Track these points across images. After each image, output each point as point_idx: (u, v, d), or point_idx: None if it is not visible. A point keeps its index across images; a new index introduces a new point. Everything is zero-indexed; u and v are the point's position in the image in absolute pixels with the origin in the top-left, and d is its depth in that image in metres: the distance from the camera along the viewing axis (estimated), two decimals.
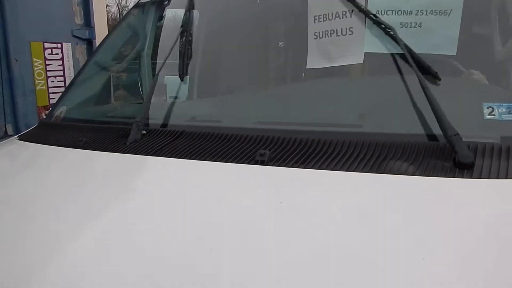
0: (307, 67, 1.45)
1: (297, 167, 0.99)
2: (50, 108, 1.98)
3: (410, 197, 0.87)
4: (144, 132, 1.33)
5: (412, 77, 1.12)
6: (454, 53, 1.23)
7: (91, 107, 1.68)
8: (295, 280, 0.68)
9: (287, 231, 0.80)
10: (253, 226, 0.83)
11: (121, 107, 1.67)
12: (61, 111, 1.82)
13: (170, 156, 1.15)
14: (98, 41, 4.13)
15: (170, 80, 1.95)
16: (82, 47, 4.02)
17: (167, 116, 1.44)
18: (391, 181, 0.91)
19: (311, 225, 0.81)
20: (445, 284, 0.64)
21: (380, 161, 0.96)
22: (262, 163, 1.03)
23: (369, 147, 1.01)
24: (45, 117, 3.62)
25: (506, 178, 0.87)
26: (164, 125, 1.36)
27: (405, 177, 0.91)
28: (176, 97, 1.57)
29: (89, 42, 4.06)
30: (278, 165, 1.01)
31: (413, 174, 0.91)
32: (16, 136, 1.78)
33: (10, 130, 3.38)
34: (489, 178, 0.87)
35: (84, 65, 2.01)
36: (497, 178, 0.87)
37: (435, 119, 1.01)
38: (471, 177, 0.88)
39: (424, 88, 1.06)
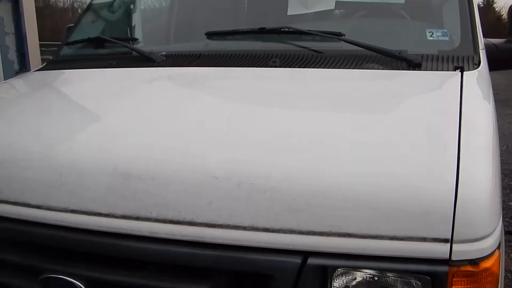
0: (288, 14, 1.84)
1: (302, 67, 1.40)
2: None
3: (378, 77, 1.32)
4: (164, 53, 1.65)
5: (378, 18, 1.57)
6: (403, 2, 1.68)
7: (100, 44, 1.93)
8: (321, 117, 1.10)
9: (306, 95, 1.22)
10: (285, 94, 1.23)
11: (132, 41, 1.95)
12: (69, 50, 2.07)
13: (198, 67, 1.50)
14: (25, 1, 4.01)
15: None
16: (7, 6, 3.87)
17: (181, 46, 1.77)
18: (367, 72, 1.34)
19: (321, 92, 1.23)
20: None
21: (359, 64, 1.39)
22: (275, 66, 1.42)
23: (350, 57, 1.43)
24: None
25: (442, 71, 1.33)
26: (180, 51, 1.68)
27: (375, 70, 1.35)
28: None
29: (15, 1, 3.87)
30: (287, 67, 1.41)
31: (382, 70, 1.35)
32: (32, 70, 2.01)
33: None
34: (430, 71, 1.33)
35: (86, 9, 2.24)
36: (436, 70, 1.33)
37: (396, 38, 1.45)
38: (419, 70, 1.34)
39: (388, 21, 1.51)
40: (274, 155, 0.97)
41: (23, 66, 4.09)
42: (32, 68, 3.97)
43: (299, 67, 1.40)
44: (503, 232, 1.08)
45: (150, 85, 1.42)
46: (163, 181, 0.96)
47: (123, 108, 1.25)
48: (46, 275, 1.06)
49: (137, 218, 0.96)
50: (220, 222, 0.92)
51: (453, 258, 0.84)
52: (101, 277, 1.04)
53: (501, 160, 4.20)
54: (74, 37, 2.09)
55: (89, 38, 1.95)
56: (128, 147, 1.03)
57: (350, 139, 1.00)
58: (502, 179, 3.79)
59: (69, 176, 1.01)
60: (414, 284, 0.88)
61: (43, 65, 2.11)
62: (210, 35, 1.69)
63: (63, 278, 1.04)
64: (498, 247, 0.91)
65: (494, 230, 0.88)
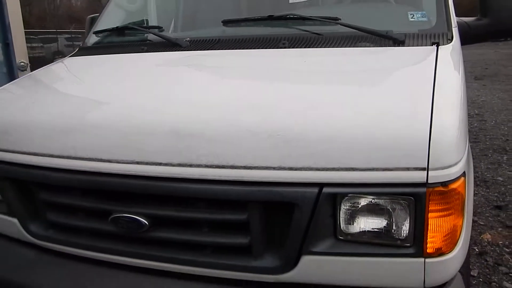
0: (290, 2, 2.13)
1: (307, 47, 1.69)
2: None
3: (369, 53, 1.63)
4: (188, 39, 1.94)
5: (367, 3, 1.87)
6: None
7: (128, 32, 2.21)
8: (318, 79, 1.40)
9: (312, 68, 1.52)
10: (295, 68, 1.53)
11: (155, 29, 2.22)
12: (97, 38, 2.34)
13: (220, 50, 1.79)
14: None
15: None
16: None
17: (201, 32, 2.05)
18: (359, 49, 1.64)
19: (323, 66, 1.54)
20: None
21: (353, 43, 1.69)
22: (284, 47, 1.71)
23: (345, 37, 1.73)
24: None
25: (421, 46, 1.63)
26: (201, 37, 1.97)
27: (366, 48, 1.65)
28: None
29: None
30: (295, 48, 1.70)
31: (372, 47, 1.65)
32: (67, 57, 2.28)
33: None
34: (412, 46, 1.63)
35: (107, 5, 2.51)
36: (416, 46, 1.64)
37: (383, 20, 1.75)
38: (403, 46, 1.64)
39: (376, 6, 1.81)
40: (292, 113, 1.27)
41: (8, 57, 3.99)
42: (18, 59, 3.88)
43: (304, 47, 1.70)
44: (471, 166, 1.40)
45: (184, 64, 1.71)
46: (211, 136, 1.26)
47: (166, 82, 1.55)
48: (115, 215, 1.37)
49: (191, 165, 1.26)
50: (255, 165, 1.22)
51: (429, 181, 1.15)
52: (160, 213, 1.35)
53: (489, 135, 4.43)
54: (101, 26, 2.36)
55: (117, 27, 2.22)
56: (179, 111, 1.33)
57: (348, 97, 1.32)
58: (491, 154, 4.03)
59: (133, 136, 1.31)
60: (402, 203, 1.20)
61: (75, 51, 2.37)
62: (226, 22, 1.97)
63: (129, 216, 1.35)
64: (463, 175, 1.22)
65: (459, 161, 1.19)
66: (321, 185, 1.21)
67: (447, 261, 1.23)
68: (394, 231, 1.22)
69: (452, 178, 1.17)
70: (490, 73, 13.86)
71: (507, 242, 3.06)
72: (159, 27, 2.15)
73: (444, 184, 1.17)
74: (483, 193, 3.99)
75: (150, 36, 2.08)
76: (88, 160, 1.37)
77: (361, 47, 1.66)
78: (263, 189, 1.23)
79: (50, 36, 23.72)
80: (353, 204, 1.23)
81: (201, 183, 1.27)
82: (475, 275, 2.63)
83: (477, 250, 2.97)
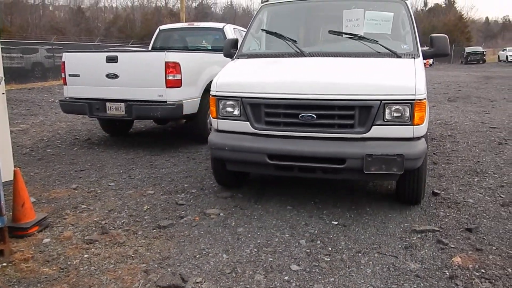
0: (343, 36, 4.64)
1: (363, 57, 4.19)
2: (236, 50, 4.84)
3: (385, 59, 4.13)
4: (307, 52, 4.38)
5: (383, 39, 4.41)
6: (389, 33, 4.53)
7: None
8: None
9: (368, 65, 4.04)
10: (362, 64, 4.05)
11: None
12: (248, 52, 4.74)
13: (326, 57, 4.26)
14: None
15: None
16: None
17: (311, 48, 4.52)
18: (381, 58, 4.16)
19: (362, 64, 4.05)
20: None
21: (380, 56, 4.19)
22: (356, 57, 4.19)
23: (377, 54, 4.22)
24: None
25: (407, 58, 4.17)
26: (312, 51, 4.41)
27: (384, 58, 4.15)
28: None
29: None
30: (357, 57, 4.19)
31: (387, 58, 4.16)
32: (234, 59, 4.66)
33: None
34: (404, 58, 4.16)
35: (246, 35, 4.92)
36: (406, 58, 4.17)
37: (392, 46, 4.29)
38: (400, 58, 4.16)
39: (387, 40, 4.36)
40: (371, 78, 3.74)
41: None
42: None
43: (361, 57, 4.18)
44: (428, 101, 3.90)
45: (314, 61, 4.17)
46: (343, 85, 3.70)
47: (312, 66, 4.02)
48: (302, 115, 3.77)
49: (335, 94, 3.68)
50: (359, 93, 3.66)
51: (415, 99, 3.62)
52: (321, 113, 3.75)
53: (461, 156, 6.36)
54: (246, 45, 4.78)
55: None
56: (327, 76, 3.80)
57: (385, 74, 3.80)
58: (463, 176, 5.17)
59: (312, 84, 3.73)
60: (406, 107, 3.64)
61: (235, 56, 4.74)
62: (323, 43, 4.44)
63: (309, 114, 3.76)
64: (425, 99, 3.70)
65: (424, 93, 3.67)
66: (381, 101, 3.65)
67: (421, 127, 3.71)
68: (403, 116, 3.67)
69: (422, 98, 3.65)
70: (462, 95, 14.61)
71: (477, 266, 2.99)
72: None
73: (420, 100, 3.64)
74: (454, 215, 4.00)
75: (285, 51, 4.49)
76: (294, 94, 3.76)
77: (383, 58, 4.16)
78: (362, 101, 3.66)
79: (30, 46, 24.24)
80: (390, 108, 3.68)
81: (338, 101, 3.69)
82: None
83: (447, 273, 2.91)
